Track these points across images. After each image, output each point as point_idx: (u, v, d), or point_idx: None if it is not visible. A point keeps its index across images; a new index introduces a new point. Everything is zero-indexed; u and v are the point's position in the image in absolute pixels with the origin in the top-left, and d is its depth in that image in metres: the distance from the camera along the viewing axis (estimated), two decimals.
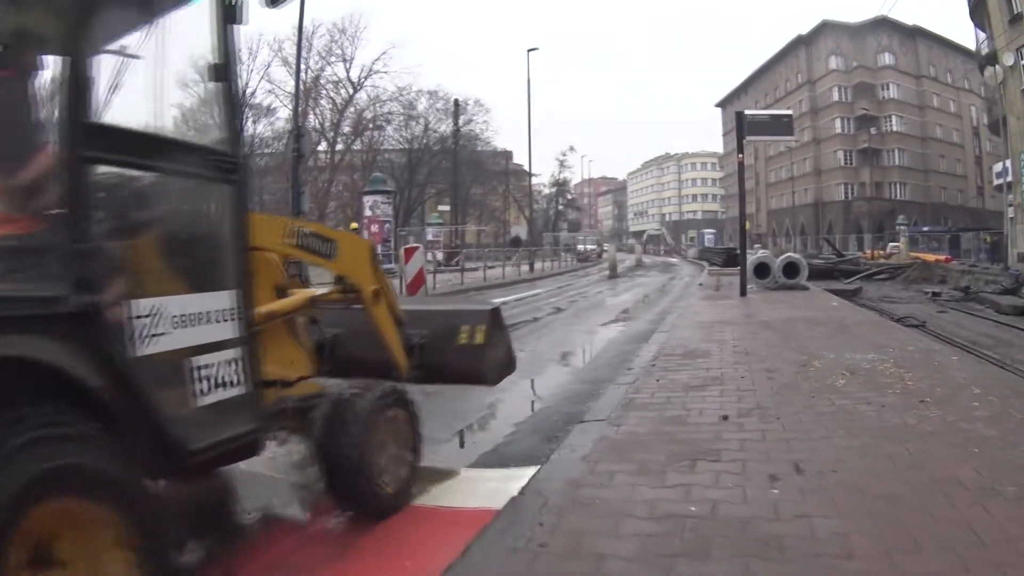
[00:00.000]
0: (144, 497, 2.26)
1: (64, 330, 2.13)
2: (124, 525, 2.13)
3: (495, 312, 4.89)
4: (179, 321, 2.56)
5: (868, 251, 49.73)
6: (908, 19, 64.89)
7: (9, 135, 2.29)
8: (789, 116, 16.40)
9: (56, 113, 2.28)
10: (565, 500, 3.59)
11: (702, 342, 9.06)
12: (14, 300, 2.09)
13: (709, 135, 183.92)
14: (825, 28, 68.40)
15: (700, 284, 21.37)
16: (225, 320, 2.79)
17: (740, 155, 15.97)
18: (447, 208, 48.85)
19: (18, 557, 1.84)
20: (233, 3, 2.82)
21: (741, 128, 15.75)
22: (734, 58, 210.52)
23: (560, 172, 71.38)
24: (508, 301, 15.62)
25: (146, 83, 2.66)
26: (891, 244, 48.64)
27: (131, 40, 2.70)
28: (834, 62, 67.97)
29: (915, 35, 65.63)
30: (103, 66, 2.47)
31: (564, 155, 72.74)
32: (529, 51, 44.54)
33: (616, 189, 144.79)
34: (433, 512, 3.94)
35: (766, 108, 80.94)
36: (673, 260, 58.92)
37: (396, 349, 4.19)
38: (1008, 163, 35.73)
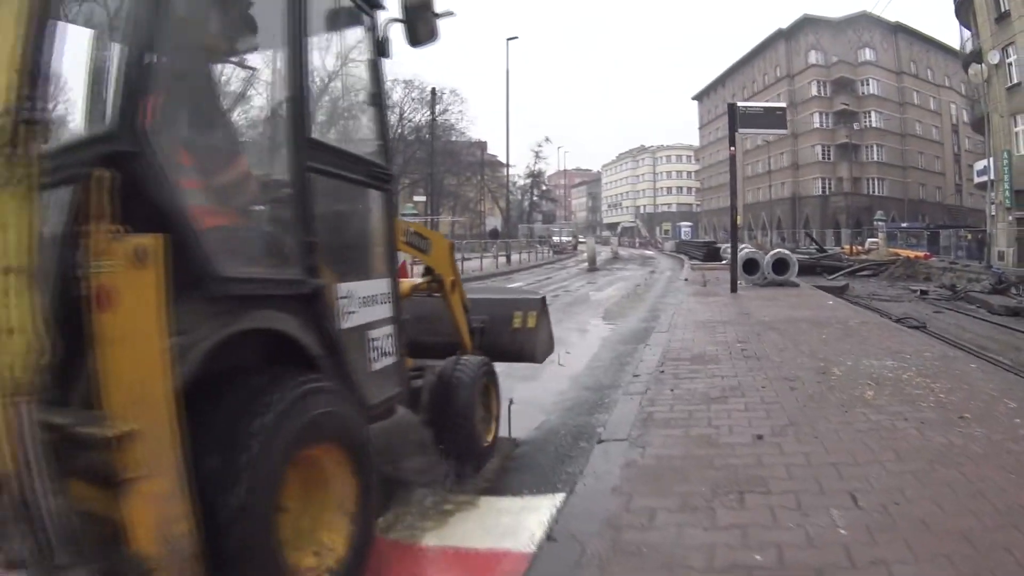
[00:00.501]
0: (367, 439, 2.88)
1: (298, 307, 2.74)
2: (353, 462, 2.76)
3: (543, 300, 5.98)
4: (362, 302, 3.28)
5: (846, 246, 50.02)
6: (891, 16, 65.41)
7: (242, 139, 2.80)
8: (783, 109, 16.13)
9: (285, 129, 2.75)
10: (605, 547, 3.13)
11: (707, 344, 8.66)
12: (270, 281, 2.67)
13: (685, 128, 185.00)
14: (806, 23, 68.55)
15: (685, 280, 21.01)
16: (385, 302, 3.54)
17: (732, 148, 15.62)
18: (422, 199, 48.38)
19: (295, 481, 2.49)
20: (383, 40, 3.60)
21: (734, 120, 15.39)
22: (712, 52, 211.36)
23: (535, 163, 70.93)
24: None
25: (332, 108, 3.42)
26: (870, 240, 48.89)
27: (325, 75, 3.37)
28: (814, 57, 68.17)
29: (896, 31, 66.01)
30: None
31: (540, 146, 72.32)
32: (509, 40, 43.53)
33: (590, 181, 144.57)
34: (440, 554, 3.49)
35: (744, 102, 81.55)
36: (649, 253, 58.76)
37: (464, 332, 5.01)
38: (990, 161, 35.93)
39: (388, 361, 3.52)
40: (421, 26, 3.64)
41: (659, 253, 57.76)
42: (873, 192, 65.07)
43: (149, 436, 1.94)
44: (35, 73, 1.73)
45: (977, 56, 34.83)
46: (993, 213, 37.20)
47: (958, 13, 39.77)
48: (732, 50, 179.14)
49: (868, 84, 66.53)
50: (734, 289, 15.70)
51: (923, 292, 20.91)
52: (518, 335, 5.59)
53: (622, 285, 22.57)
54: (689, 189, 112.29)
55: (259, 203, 2.97)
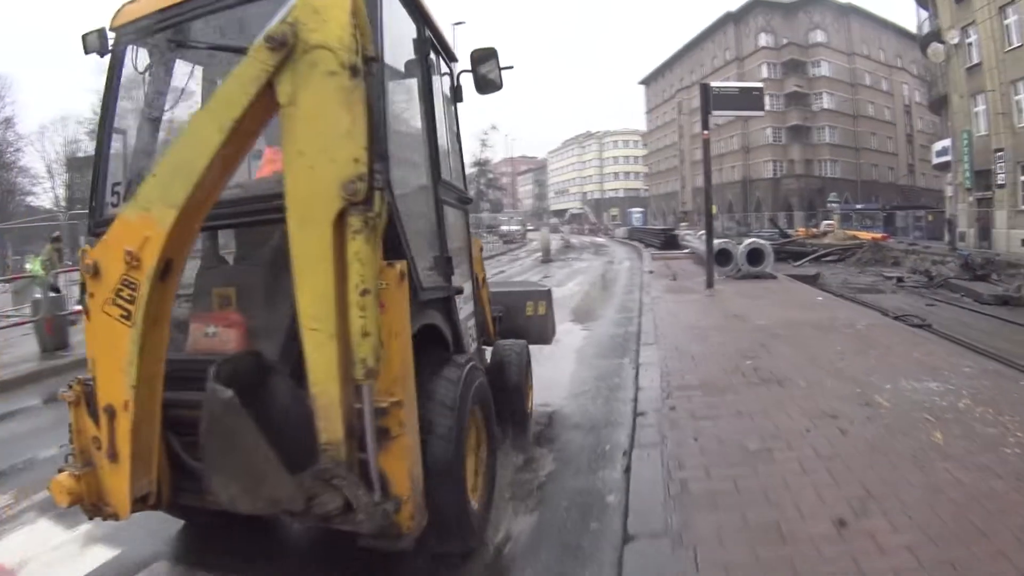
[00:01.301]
0: (491, 402, 4.17)
1: (440, 306, 3.92)
2: (486, 419, 4.05)
3: (549, 291, 7.05)
4: (465, 299, 4.54)
5: (801, 229, 49.97)
6: None
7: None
8: (759, 89, 15.06)
9: (429, 172, 3.74)
10: None
11: (710, 363, 7.53)
12: (438, 288, 3.81)
13: (632, 113, 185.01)
14: (756, 5, 68.20)
15: (650, 272, 19.91)
16: (471, 299, 4.91)
17: (705, 131, 14.54)
18: None
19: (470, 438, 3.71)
20: (458, 87, 4.79)
21: (707, 102, 14.33)
22: (659, 36, 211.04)
23: (482, 152, 69.41)
24: None
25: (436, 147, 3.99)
26: (824, 222, 48.90)
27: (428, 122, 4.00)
28: (764, 39, 67.93)
29: (848, 12, 66.23)
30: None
31: (486, 134, 70.62)
32: (455, 25, 41.73)
33: (536, 168, 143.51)
34: None
35: (693, 85, 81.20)
36: (601, 240, 57.79)
37: (490, 320, 5.77)
38: (949, 142, 35.93)
39: (474, 346, 4.82)
40: (487, 76, 4.37)
41: (610, 240, 56.81)
42: (825, 174, 65.36)
43: (407, 403, 2.88)
44: (379, 151, 2.62)
45: (936, 36, 34.64)
46: (951, 194, 37.27)
47: None
48: (679, 34, 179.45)
49: (819, 66, 66.62)
50: (711, 284, 14.65)
51: (899, 279, 20.32)
52: (531, 321, 6.65)
53: (583, 279, 21.38)
54: (636, 174, 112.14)
55: (428, 229, 3.86)
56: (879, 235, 42.17)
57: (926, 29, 38.64)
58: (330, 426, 2.40)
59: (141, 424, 2.75)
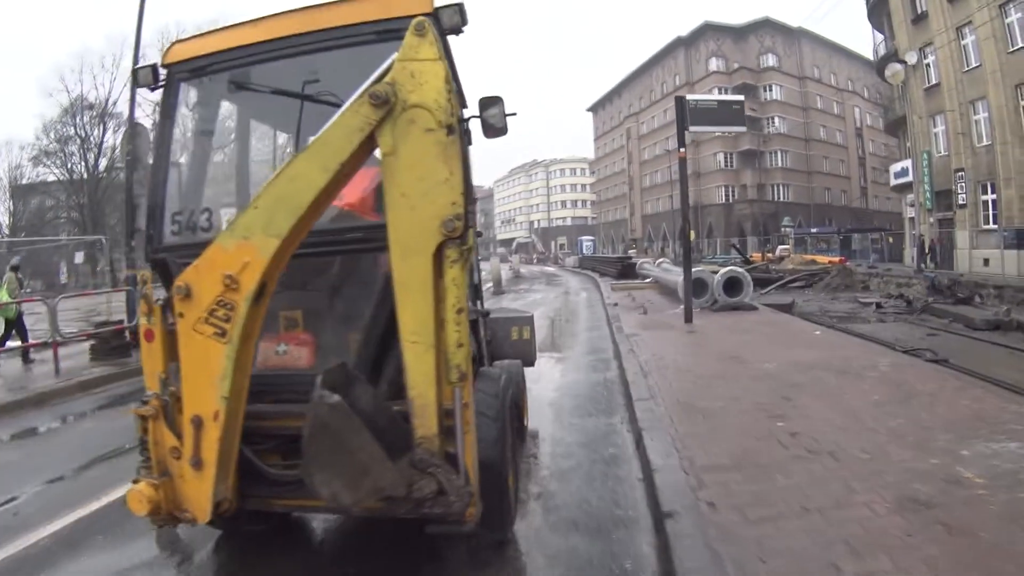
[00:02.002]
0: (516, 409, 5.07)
1: (473, 328, 4.37)
2: (517, 415, 4.98)
3: (532, 317, 7.31)
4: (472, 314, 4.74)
5: (756, 254, 49.64)
6: (793, 21, 66.52)
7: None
8: (740, 103, 13.94)
9: (464, 187, 2.97)
10: None
11: (732, 427, 6.10)
12: (472, 311, 4.42)
13: (580, 140, 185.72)
14: (706, 30, 68.50)
15: (615, 304, 18.55)
16: (474, 315, 5.07)
17: (682, 149, 13.30)
18: None
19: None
20: (467, 132, 4.65)
21: (683, 117, 13.12)
22: (607, 63, 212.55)
23: None
24: None
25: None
26: (780, 247, 48.69)
27: None
28: (715, 63, 68.15)
29: (799, 36, 66.86)
30: None
31: None
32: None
33: (482, 197, 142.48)
34: None
35: (641, 112, 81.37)
36: (550, 269, 56.58)
37: (482, 345, 5.89)
38: (908, 163, 35.79)
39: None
40: (493, 121, 4.43)
41: (561, 269, 55.60)
42: (778, 198, 65.53)
43: (471, 406, 3.08)
44: (467, 195, 2.79)
45: (894, 58, 34.65)
46: (912, 215, 37.06)
47: (870, 16, 39.94)
48: (628, 61, 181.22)
49: (771, 90, 67.03)
50: (690, 318, 13.34)
51: (878, 305, 19.43)
52: (516, 345, 6.74)
53: (541, 312, 19.85)
54: (584, 202, 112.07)
55: None
56: (836, 259, 41.96)
57: (882, 51, 38.81)
58: (426, 423, 2.81)
59: (227, 433, 3.00)
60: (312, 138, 3.12)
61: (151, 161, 4.18)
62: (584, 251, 71.83)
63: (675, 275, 21.29)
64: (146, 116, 46.50)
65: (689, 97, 13.44)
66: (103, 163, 48.26)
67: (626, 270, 32.80)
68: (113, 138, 43.98)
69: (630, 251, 66.88)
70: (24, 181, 52.46)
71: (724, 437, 5.72)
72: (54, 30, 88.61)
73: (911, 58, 32.72)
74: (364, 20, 3.70)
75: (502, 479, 3.96)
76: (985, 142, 29.87)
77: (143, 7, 14.28)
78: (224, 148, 4.81)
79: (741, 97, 14.23)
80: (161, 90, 4.08)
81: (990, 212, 30.17)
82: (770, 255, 45.34)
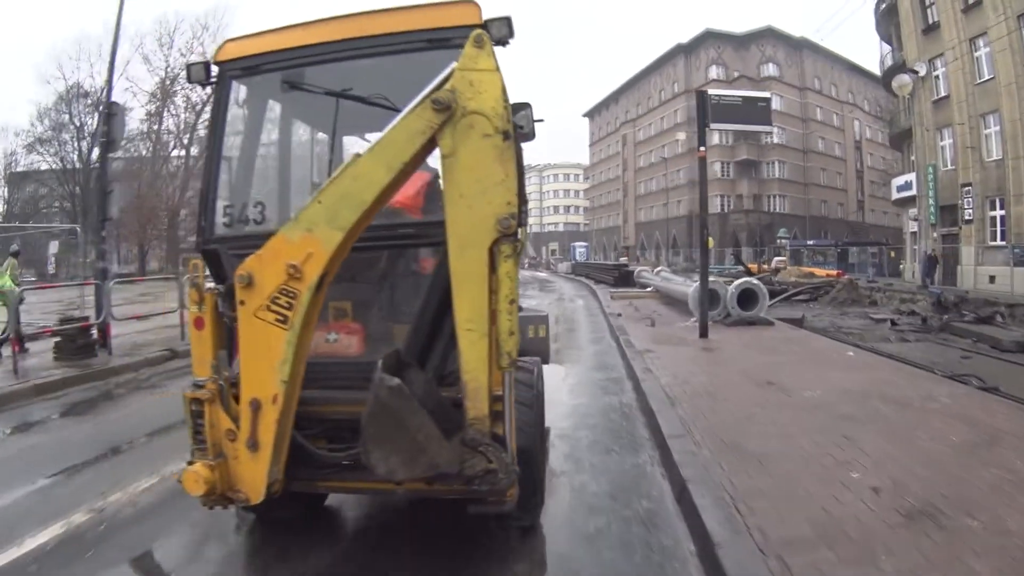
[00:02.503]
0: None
1: None
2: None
3: (547, 316, 7.30)
4: None
5: (751, 265, 48.72)
6: (796, 31, 65.84)
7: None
8: (766, 100, 12.89)
9: (518, 188, 3.03)
10: None
11: (798, 476, 4.93)
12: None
13: (574, 146, 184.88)
14: (707, 37, 67.62)
15: (617, 314, 17.39)
16: None
17: (701, 148, 12.21)
18: None
19: None
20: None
21: (704, 113, 12.03)
22: (604, 69, 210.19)
23: None
24: None
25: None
26: (776, 258, 47.76)
27: None
28: (715, 72, 67.27)
29: (801, 47, 65.96)
30: None
31: None
32: None
33: None
34: None
35: (638, 118, 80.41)
36: (542, 275, 55.42)
37: None
38: (912, 177, 34.91)
39: None
40: (521, 127, 4.06)
41: (553, 275, 54.45)
42: (774, 209, 64.70)
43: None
44: (520, 196, 2.98)
45: (902, 69, 33.79)
46: (914, 229, 36.14)
47: (878, 27, 39.12)
48: (626, 67, 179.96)
49: (771, 99, 66.07)
50: (705, 333, 12.21)
51: (893, 323, 18.38)
52: (533, 342, 6.43)
53: None
54: (577, 208, 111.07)
55: None
56: (834, 272, 41.09)
57: (889, 63, 37.94)
58: (478, 405, 2.94)
59: (283, 416, 3.13)
60: (371, 137, 3.82)
61: (204, 155, 4.29)
62: (577, 257, 70.79)
63: (679, 285, 20.22)
64: (141, 107, 45.78)
65: (712, 92, 12.33)
66: (96, 152, 47.06)
67: (624, 278, 31.75)
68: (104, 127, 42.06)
69: (622, 258, 66.34)
70: (19, 168, 51.51)
71: (793, 494, 4.55)
72: (54, 16, 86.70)
73: (920, 69, 31.86)
74: (415, 28, 3.79)
75: (536, 465, 4.19)
76: (995, 156, 28.96)
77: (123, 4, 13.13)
78: (269, 145, 4.73)
79: (767, 94, 13.06)
80: (211, 87, 4.16)
81: (998, 228, 29.24)
82: (766, 266, 44.28)
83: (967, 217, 30.43)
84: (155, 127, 46.16)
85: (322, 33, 3.94)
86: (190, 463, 3.23)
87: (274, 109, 4.71)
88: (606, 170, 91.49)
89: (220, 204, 4.13)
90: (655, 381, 8.52)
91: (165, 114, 45.94)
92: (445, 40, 3.68)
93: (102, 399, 9.37)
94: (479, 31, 2.95)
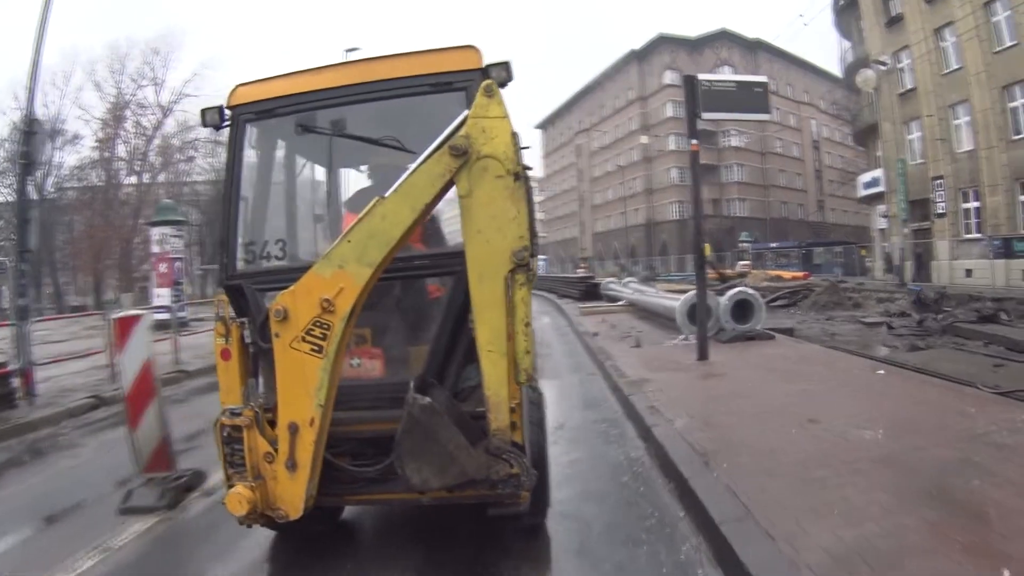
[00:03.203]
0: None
1: None
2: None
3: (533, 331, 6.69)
4: None
5: (713, 271, 47.57)
6: (750, 33, 65.40)
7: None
8: (763, 85, 11.17)
9: (529, 223, 3.24)
10: None
11: None
12: None
13: (527, 158, 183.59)
14: (661, 42, 66.84)
15: (594, 333, 15.64)
16: None
17: (693, 142, 10.51)
18: None
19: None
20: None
21: (694, 101, 10.36)
22: (556, 79, 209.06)
23: None
24: None
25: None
26: (740, 262, 46.75)
27: None
28: (669, 77, 66.43)
29: (756, 48, 65.52)
30: None
31: None
32: (347, 51, 36.47)
33: None
34: None
35: (592, 127, 79.31)
36: None
37: None
38: (879, 173, 34.00)
39: None
40: (529, 167, 4.19)
41: None
42: (735, 213, 64.02)
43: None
44: (531, 230, 3.22)
45: (864, 63, 33.01)
46: (884, 226, 35.23)
47: (838, 23, 38.43)
48: (578, 77, 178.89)
49: (767, 83, 65.15)
50: (704, 355, 10.50)
51: (889, 327, 16.90)
52: None
53: None
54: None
55: None
56: (800, 274, 40.14)
57: (849, 59, 37.20)
58: (500, 416, 3.17)
59: (319, 437, 3.36)
60: (364, 168, 5.08)
61: (223, 196, 4.34)
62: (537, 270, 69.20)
63: (660, 298, 18.54)
64: (93, 134, 43.65)
65: (702, 77, 10.62)
66: (51, 182, 44.84)
67: (590, 291, 30.03)
68: (59, 155, 41.52)
69: (579, 269, 65.26)
70: None
71: None
72: (14, 44, 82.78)
73: (885, 62, 31.00)
74: (420, 73, 3.99)
75: (543, 469, 4.34)
76: (966, 147, 28.14)
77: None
78: (278, 183, 4.80)
79: (764, 78, 11.39)
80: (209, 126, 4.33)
81: (972, 221, 28.40)
82: (730, 271, 43.02)
83: (939, 211, 29.58)
84: (106, 154, 44.43)
85: (331, 78, 4.14)
86: (230, 486, 3.43)
87: (281, 148, 4.80)
88: (560, 181, 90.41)
89: (240, 241, 4.27)
90: (668, 425, 6.73)
91: (117, 141, 44.33)
92: (448, 84, 3.96)
93: (18, 459, 7.82)
94: (489, 82, 3.19)
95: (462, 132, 3.10)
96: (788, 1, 54.69)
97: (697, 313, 10.82)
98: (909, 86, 30.89)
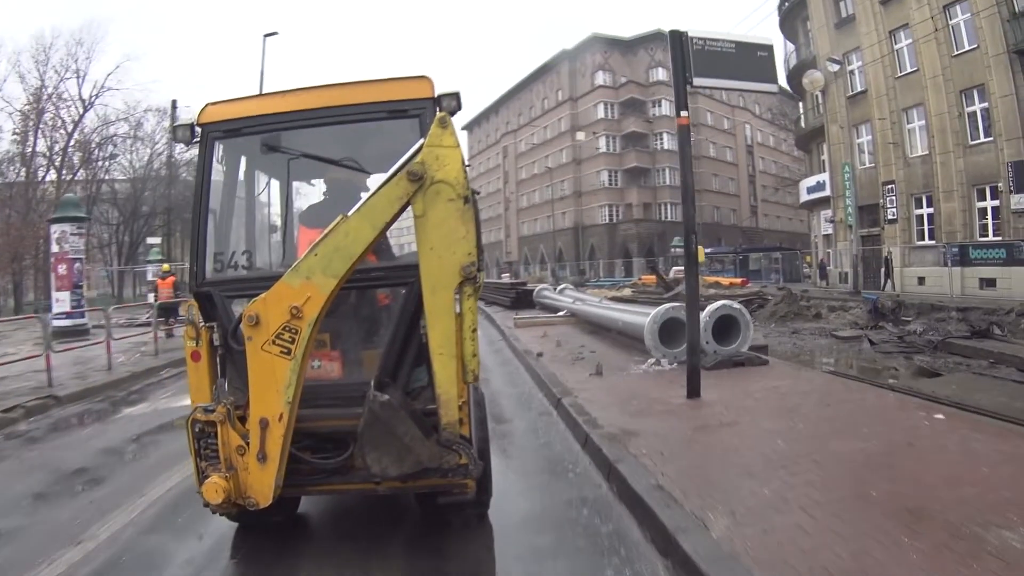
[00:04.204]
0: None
1: None
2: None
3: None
4: None
5: (643, 277, 45.88)
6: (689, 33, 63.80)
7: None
8: (768, 49, 8.60)
9: (476, 241, 3.53)
10: None
11: None
12: None
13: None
14: (594, 42, 64.58)
15: (538, 353, 12.93)
16: None
17: (683, 114, 8.03)
18: (157, 240, 40.76)
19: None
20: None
21: (683, 64, 7.91)
22: (484, 80, 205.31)
23: None
24: None
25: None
26: (675, 268, 44.97)
27: None
28: (601, 77, 64.58)
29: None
30: None
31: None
32: (266, 36, 32.58)
33: None
34: None
35: (520, 129, 77.03)
36: None
37: None
38: (825, 177, 32.53)
39: None
40: (477, 192, 4.51)
41: None
42: (666, 217, 62.45)
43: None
44: (479, 248, 3.50)
45: (811, 65, 31.65)
46: (829, 231, 33.84)
47: (782, 26, 37.06)
48: (507, 78, 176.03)
49: (660, 105, 63.90)
50: (696, 391, 7.96)
51: (871, 342, 14.85)
52: None
53: None
54: None
55: None
56: (737, 280, 38.79)
57: (794, 62, 35.76)
58: (450, 412, 3.49)
59: (287, 431, 3.57)
60: (316, 183, 5.39)
61: (192, 208, 4.58)
62: None
63: (609, 310, 15.99)
64: (14, 127, 40.40)
65: (693, 34, 8.02)
66: None
67: (522, 298, 27.41)
68: None
69: (503, 275, 63.78)
70: None
71: None
72: None
73: (833, 65, 29.52)
74: (377, 100, 4.30)
75: (487, 462, 4.65)
76: (920, 152, 26.81)
77: None
78: (241, 198, 5.02)
79: (769, 41, 8.81)
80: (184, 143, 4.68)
81: (925, 227, 27.06)
82: (665, 277, 41.08)
83: (890, 216, 28.24)
84: (28, 149, 41.26)
85: (295, 102, 4.38)
86: (205, 477, 3.63)
87: (244, 164, 5.03)
88: (486, 184, 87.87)
89: (210, 251, 4.47)
90: (702, 535, 4.09)
91: (37, 134, 41.11)
92: (403, 111, 4.30)
93: None
94: (443, 114, 3.55)
95: (418, 159, 3.40)
96: (730, 5, 53.59)
97: (688, 335, 8.20)
98: (860, 88, 29.67)
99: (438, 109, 4.14)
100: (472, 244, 3.40)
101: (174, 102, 40.19)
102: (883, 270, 27.48)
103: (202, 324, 4.04)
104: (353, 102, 4.31)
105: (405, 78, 4.31)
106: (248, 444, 3.60)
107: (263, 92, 4.62)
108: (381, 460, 3.53)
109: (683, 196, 8.55)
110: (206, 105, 4.51)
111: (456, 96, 4.18)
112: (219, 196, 4.66)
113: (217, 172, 4.61)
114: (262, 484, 3.61)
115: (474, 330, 3.49)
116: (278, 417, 3.51)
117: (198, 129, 4.46)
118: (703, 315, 10.57)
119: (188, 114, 43.57)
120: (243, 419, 3.66)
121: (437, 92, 4.21)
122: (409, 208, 3.42)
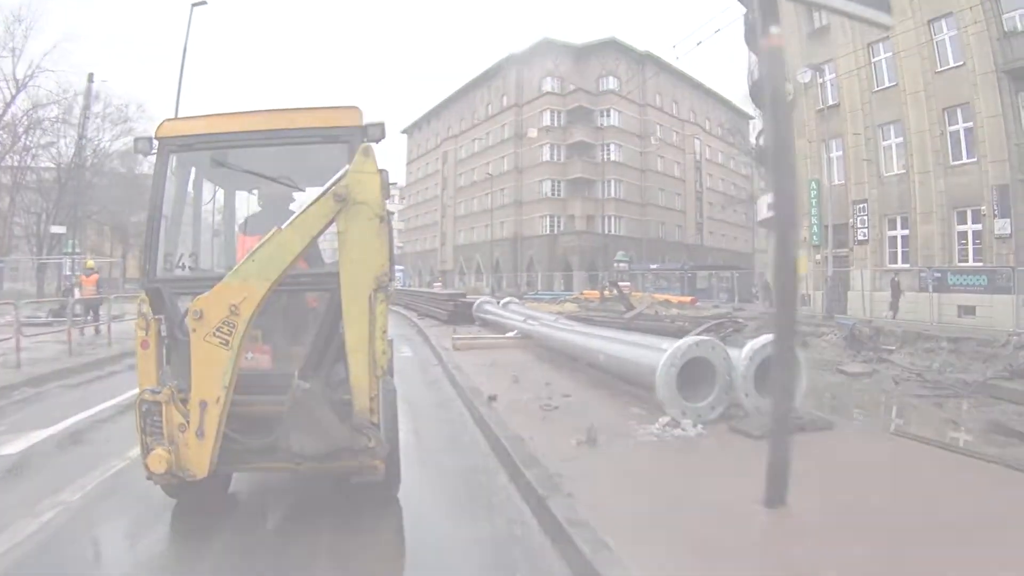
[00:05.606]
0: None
1: None
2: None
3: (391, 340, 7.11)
4: None
5: (585, 291, 43.21)
6: (640, 45, 62.06)
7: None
8: None
9: (389, 255, 4.22)
10: None
11: None
12: None
13: (390, 165, 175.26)
14: (544, 46, 61.32)
15: (491, 397, 9.26)
16: None
17: (773, 31, 4.91)
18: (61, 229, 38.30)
19: None
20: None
21: None
22: (427, 83, 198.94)
23: None
24: None
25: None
26: (622, 283, 42.32)
27: None
28: (549, 84, 61.67)
29: (644, 61, 61.46)
30: None
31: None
32: (194, 5, 27.86)
33: None
34: None
35: (461, 134, 73.66)
36: None
37: None
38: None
39: None
40: (392, 213, 5.93)
41: None
42: (609, 231, 59.89)
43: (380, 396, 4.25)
44: (391, 260, 4.21)
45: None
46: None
47: (747, 37, 34.68)
48: (451, 79, 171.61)
49: (609, 115, 61.49)
50: (779, 494, 4.66)
51: (894, 382, 12.13)
52: None
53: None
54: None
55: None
56: (687, 298, 36.49)
57: (757, 74, 33.45)
58: (361, 400, 4.03)
59: (223, 413, 3.94)
60: (255, 192, 5.84)
61: (148, 213, 5.05)
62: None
63: (575, 334, 12.51)
64: None
65: None
66: None
67: (461, 311, 23.79)
68: None
69: (435, 284, 62.25)
70: None
71: None
72: None
73: (804, 76, 27.14)
74: (313, 126, 4.87)
75: (395, 448, 5.02)
76: (896, 171, 24.57)
77: None
78: (191, 204, 5.49)
79: None
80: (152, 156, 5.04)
81: (898, 250, 24.79)
82: (607, 291, 38.09)
83: (860, 237, 25.90)
84: None
85: (243, 123, 4.92)
86: (150, 450, 4.00)
87: (193, 175, 5.52)
88: (423, 189, 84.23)
89: (161, 252, 4.92)
90: None
91: None
92: (335, 137, 4.85)
93: None
94: (367, 144, 4.16)
95: (343, 182, 3.93)
96: (693, 15, 51.54)
97: (773, 398, 4.92)
98: (832, 102, 27.46)
99: (365, 136, 4.67)
100: (386, 257, 4.10)
101: (91, 75, 38.74)
102: (890, 295, 24.66)
103: (152, 316, 4.53)
104: (292, 126, 4.87)
105: (338, 107, 4.89)
106: (189, 422, 3.97)
107: (217, 112, 5.00)
108: (302, 440, 4.05)
109: (774, 163, 5.09)
110: (164, 121, 5.06)
111: (380, 126, 4.79)
112: (171, 203, 5.15)
113: (169, 181, 5.06)
114: (200, 458, 3.98)
115: (384, 331, 4.13)
116: (216, 399, 3.92)
117: (155, 142, 4.95)
118: (742, 353, 7.36)
119: (105, 89, 41.65)
120: (184, 401, 4.01)
121: (365, 121, 4.81)
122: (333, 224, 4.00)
